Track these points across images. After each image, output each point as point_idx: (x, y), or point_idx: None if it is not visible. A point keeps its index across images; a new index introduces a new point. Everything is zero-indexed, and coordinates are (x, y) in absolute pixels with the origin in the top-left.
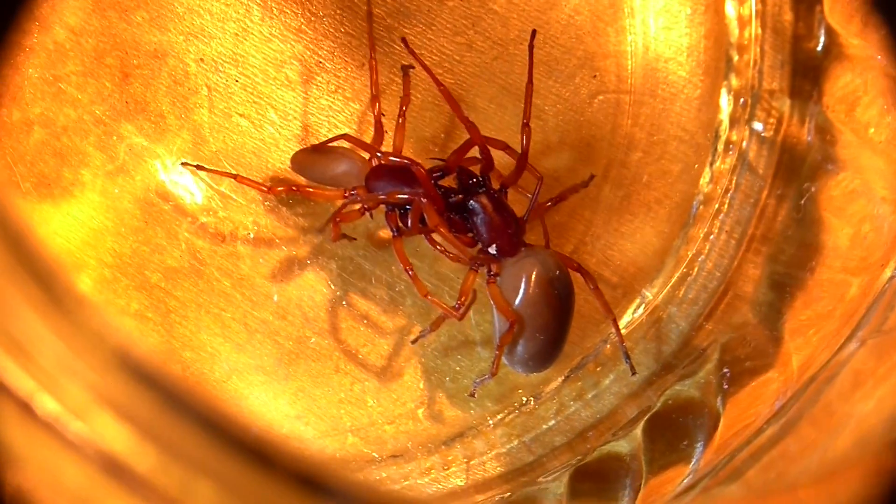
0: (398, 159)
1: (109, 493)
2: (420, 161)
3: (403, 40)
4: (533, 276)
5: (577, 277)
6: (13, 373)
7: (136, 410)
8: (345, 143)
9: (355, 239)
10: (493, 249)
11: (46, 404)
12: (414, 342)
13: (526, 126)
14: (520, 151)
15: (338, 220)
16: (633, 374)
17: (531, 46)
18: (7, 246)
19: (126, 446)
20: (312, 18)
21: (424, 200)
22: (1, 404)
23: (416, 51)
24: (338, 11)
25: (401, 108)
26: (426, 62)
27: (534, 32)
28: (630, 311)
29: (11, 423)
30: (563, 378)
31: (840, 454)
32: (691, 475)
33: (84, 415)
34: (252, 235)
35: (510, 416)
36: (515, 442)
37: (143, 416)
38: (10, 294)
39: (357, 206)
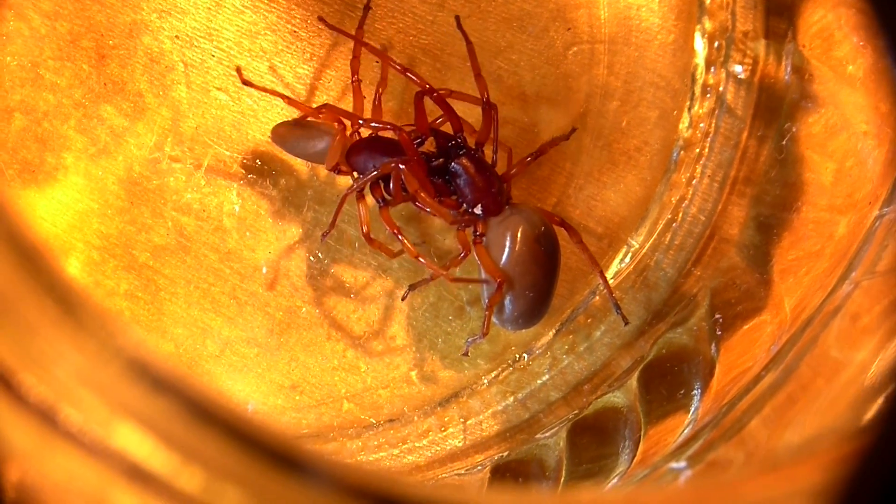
0: (381, 125)
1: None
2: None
3: None
4: (518, 234)
5: (562, 232)
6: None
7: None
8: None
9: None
10: (478, 210)
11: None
12: (403, 298)
13: (479, 77)
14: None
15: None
16: (626, 323)
17: (460, 27)
18: None
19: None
20: None
21: (403, 167)
22: None
23: (388, 14)
24: None
25: (381, 75)
26: (398, 25)
27: (457, 18)
28: (617, 260)
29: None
30: (554, 332)
31: (844, 403)
32: (691, 425)
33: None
34: (237, 209)
35: (504, 374)
36: (511, 399)
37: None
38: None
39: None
